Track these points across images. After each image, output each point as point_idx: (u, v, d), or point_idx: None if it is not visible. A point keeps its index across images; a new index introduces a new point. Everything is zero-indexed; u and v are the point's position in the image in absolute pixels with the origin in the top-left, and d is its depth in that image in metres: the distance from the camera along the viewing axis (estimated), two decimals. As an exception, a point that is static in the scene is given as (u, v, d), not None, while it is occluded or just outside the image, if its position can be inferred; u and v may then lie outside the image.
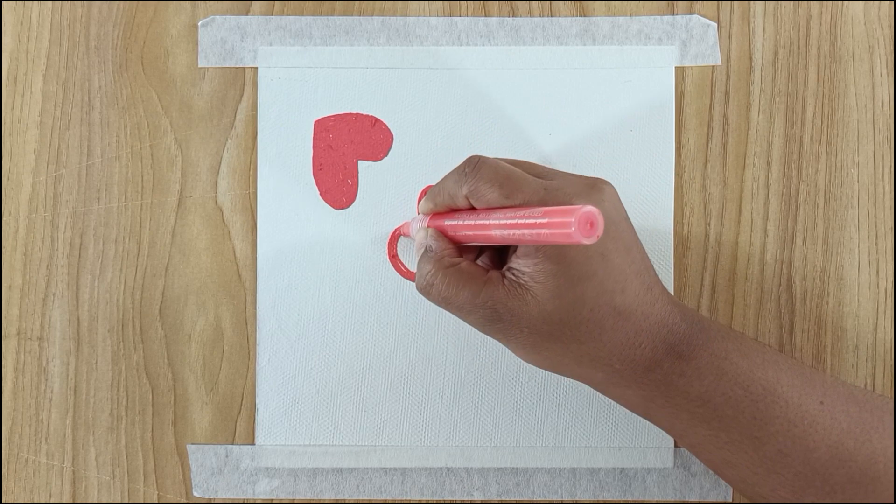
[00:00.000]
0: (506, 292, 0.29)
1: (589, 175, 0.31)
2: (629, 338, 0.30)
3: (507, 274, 0.30)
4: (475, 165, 0.30)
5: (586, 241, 0.23)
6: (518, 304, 0.29)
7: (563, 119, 0.38)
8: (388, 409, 0.38)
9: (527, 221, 0.26)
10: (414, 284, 0.38)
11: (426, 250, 0.32)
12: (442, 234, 0.32)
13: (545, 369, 0.32)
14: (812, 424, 0.30)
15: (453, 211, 0.32)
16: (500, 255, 0.33)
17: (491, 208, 0.29)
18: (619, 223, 0.30)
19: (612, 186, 0.31)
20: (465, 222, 0.31)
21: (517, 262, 0.30)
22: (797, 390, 0.30)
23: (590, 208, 0.23)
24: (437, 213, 0.33)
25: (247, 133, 0.38)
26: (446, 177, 0.32)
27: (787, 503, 0.30)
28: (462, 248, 0.32)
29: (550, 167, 0.32)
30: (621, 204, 0.31)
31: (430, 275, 0.31)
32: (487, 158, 0.30)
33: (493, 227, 0.28)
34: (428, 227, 0.33)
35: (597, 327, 0.29)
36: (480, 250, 0.34)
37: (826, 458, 0.29)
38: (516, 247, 0.30)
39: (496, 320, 0.30)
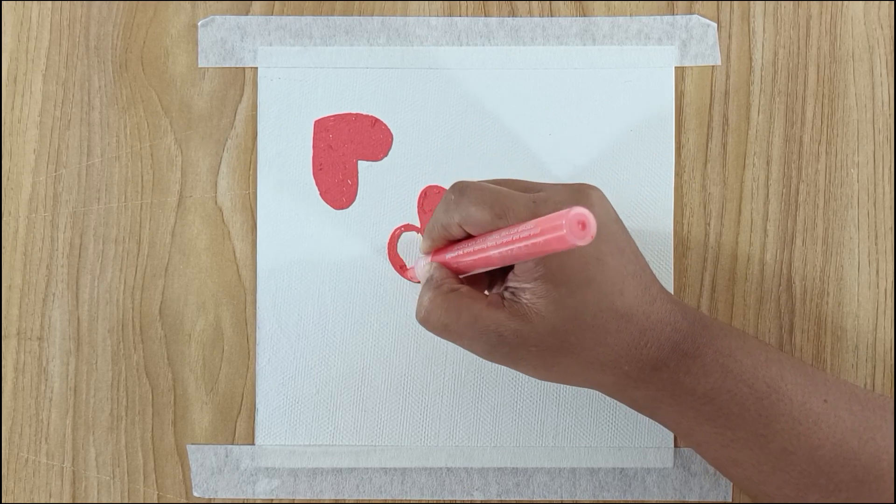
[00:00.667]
0: (507, 314, 0.29)
1: (581, 181, 0.31)
2: (634, 338, 0.30)
3: (507, 294, 0.30)
4: (460, 191, 0.30)
5: (581, 243, 0.23)
6: (521, 324, 0.29)
7: (563, 119, 0.38)
8: (388, 409, 0.38)
9: (521, 235, 0.26)
10: (413, 285, 0.38)
11: (427, 281, 0.32)
12: (446, 267, 0.32)
13: (558, 383, 0.31)
14: (816, 423, 0.30)
15: (452, 244, 0.32)
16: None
17: (487, 232, 0.29)
18: (609, 226, 0.30)
19: (600, 190, 0.31)
20: (465, 250, 0.30)
21: (515, 281, 0.29)
22: (801, 388, 0.30)
23: (578, 209, 0.23)
24: (438, 249, 0.33)
25: (247, 133, 0.38)
26: (436, 210, 0.31)
27: (791, 502, 0.31)
28: (470, 282, 0.32)
29: (535, 181, 0.32)
30: (611, 206, 0.31)
31: (429, 301, 0.30)
32: (471, 182, 0.30)
33: (491, 248, 0.28)
34: (431, 261, 0.33)
35: (602, 332, 0.29)
36: (490, 284, 0.33)
37: (830, 456, 0.29)
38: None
39: (501, 344, 0.29)
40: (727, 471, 0.32)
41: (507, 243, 0.27)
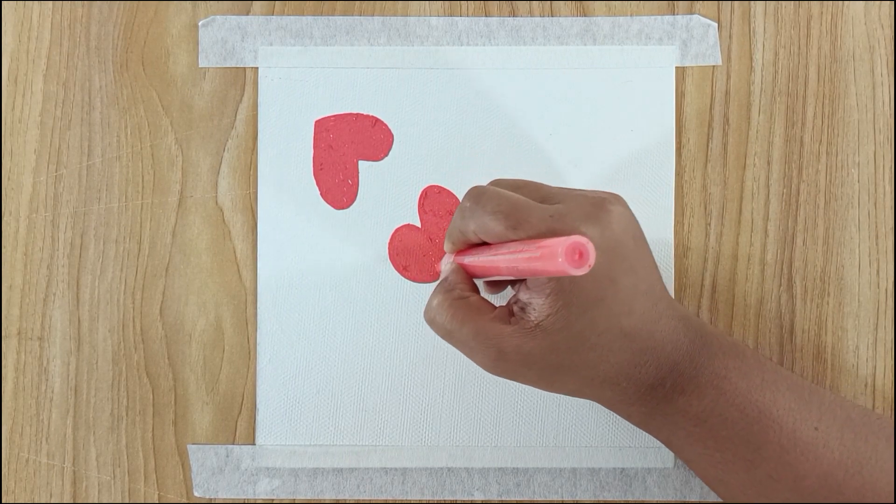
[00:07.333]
0: (511, 329, 0.29)
1: (581, 181, 0.31)
2: (635, 357, 0.29)
3: (515, 309, 0.29)
4: (475, 198, 0.29)
5: (577, 272, 0.23)
6: (525, 341, 0.28)
7: (563, 119, 0.38)
8: (388, 409, 0.38)
9: (524, 256, 0.26)
10: (414, 284, 0.38)
11: (441, 282, 0.31)
12: (464, 269, 0.31)
13: (557, 394, 0.31)
14: (804, 452, 0.29)
15: (472, 246, 0.31)
16: None
17: (502, 242, 0.28)
18: (626, 243, 0.29)
19: (622, 204, 0.30)
20: (479, 258, 0.30)
21: (525, 295, 0.29)
22: (793, 414, 0.30)
23: (576, 239, 0.23)
24: (460, 250, 0.33)
25: (247, 133, 0.38)
26: (454, 215, 0.31)
27: None
28: (493, 282, 0.31)
29: (556, 186, 0.31)
30: (632, 219, 0.30)
31: (437, 304, 0.30)
32: (488, 189, 0.29)
33: (500, 259, 0.28)
34: (453, 261, 0.32)
35: (605, 350, 0.29)
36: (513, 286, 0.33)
37: (815, 487, 0.29)
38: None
39: (501, 360, 0.29)
40: (715, 488, 0.32)
41: (514, 260, 0.26)
